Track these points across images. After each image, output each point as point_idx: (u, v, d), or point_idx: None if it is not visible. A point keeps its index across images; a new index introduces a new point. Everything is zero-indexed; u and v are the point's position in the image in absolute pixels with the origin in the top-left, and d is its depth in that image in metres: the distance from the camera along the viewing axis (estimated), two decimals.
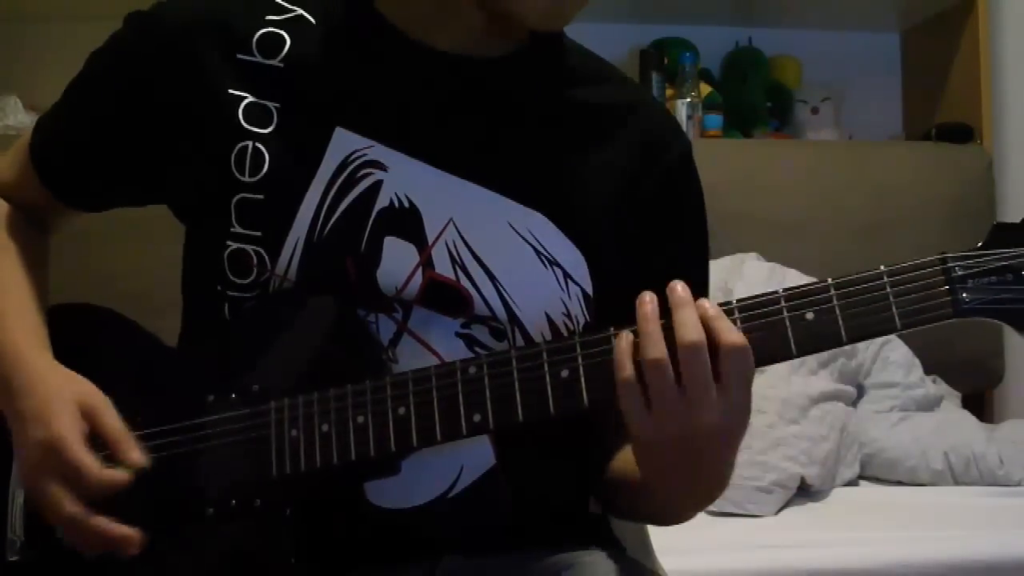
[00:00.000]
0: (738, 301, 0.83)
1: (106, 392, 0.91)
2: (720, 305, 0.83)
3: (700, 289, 1.05)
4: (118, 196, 1.05)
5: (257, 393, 0.90)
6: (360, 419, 0.86)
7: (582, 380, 0.84)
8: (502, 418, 0.85)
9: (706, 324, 0.81)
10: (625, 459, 0.97)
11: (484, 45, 0.98)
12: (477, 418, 0.85)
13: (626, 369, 0.81)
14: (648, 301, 0.82)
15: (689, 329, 0.80)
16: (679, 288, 0.83)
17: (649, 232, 1.01)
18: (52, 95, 1.06)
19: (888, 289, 0.81)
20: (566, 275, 0.97)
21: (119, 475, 0.87)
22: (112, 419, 0.89)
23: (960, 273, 0.80)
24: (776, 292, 0.83)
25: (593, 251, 0.98)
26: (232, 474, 0.88)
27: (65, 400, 0.89)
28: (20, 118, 2.35)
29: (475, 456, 0.94)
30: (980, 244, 0.81)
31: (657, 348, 0.80)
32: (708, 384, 0.80)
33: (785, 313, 0.82)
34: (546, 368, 0.84)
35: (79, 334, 0.98)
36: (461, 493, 0.94)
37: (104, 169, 1.02)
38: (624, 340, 0.82)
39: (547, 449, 0.98)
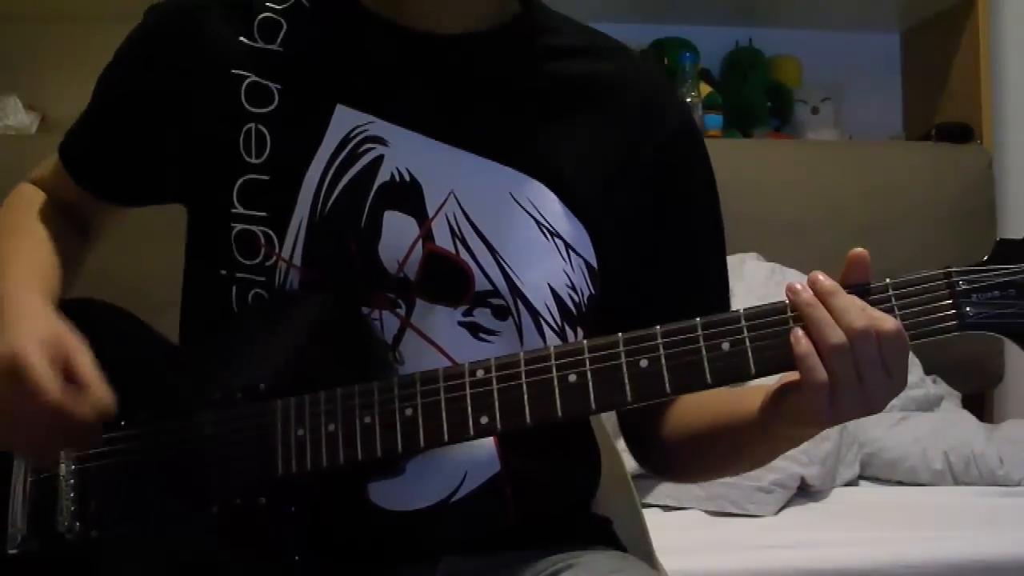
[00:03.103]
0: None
1: (111, 387, 0.91)
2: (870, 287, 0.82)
3: (716, 253, 1.05)
4: (143, 186, 1.06)
5: (262, 392, 0.90)
6: (367, 419, 0.86)
7: (590, 385, 0.84)
8: (509, 421, 0.84)
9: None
10: (692, 422, 0.98)
11: (463, 21, 0.98)
12: (484, 420, 0.85)
13: (818, 369, 0.80)
14: (802, 289, 0.82)
15: (855, 315, 0.79)
16: (822, 277, 0.82)
17: (653, 202, 1.01)
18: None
19: (893, 302, 0.82)
20: (568, 246, 0.97)
21: (80, 404, 0.86)
22: (86, 359, 0.88)
23: (964, 287, 0.81)
24: (782, 302, 0.83)
25: (594, 222, 0.98)
26: (237, 472, 0.88)
27: (41, 326, 0.89)
28: (20, 118, 2.35)
29: (479, 462, 0.94)
30: (985, 258, 0.82)
31: (836, 333, 0.79)
32: (880, 368, 0.80)
33: (792, 323, 0.82)
34: (554, 372, 0.84)
35: (86, 328, 0.98)
36: (463, 499, 0.94)
37: (124, 157, 1.03)
38: (803, 338, 0.80)
39: (552, 455, 0.97)
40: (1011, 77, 2.72)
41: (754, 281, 2.23)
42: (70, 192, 1.07)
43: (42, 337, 0.88)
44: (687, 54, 2.63)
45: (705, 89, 2.66)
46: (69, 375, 0.87)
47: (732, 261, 2.40)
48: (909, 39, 2.90)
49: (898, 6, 2.78)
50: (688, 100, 2.56)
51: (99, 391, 0.87)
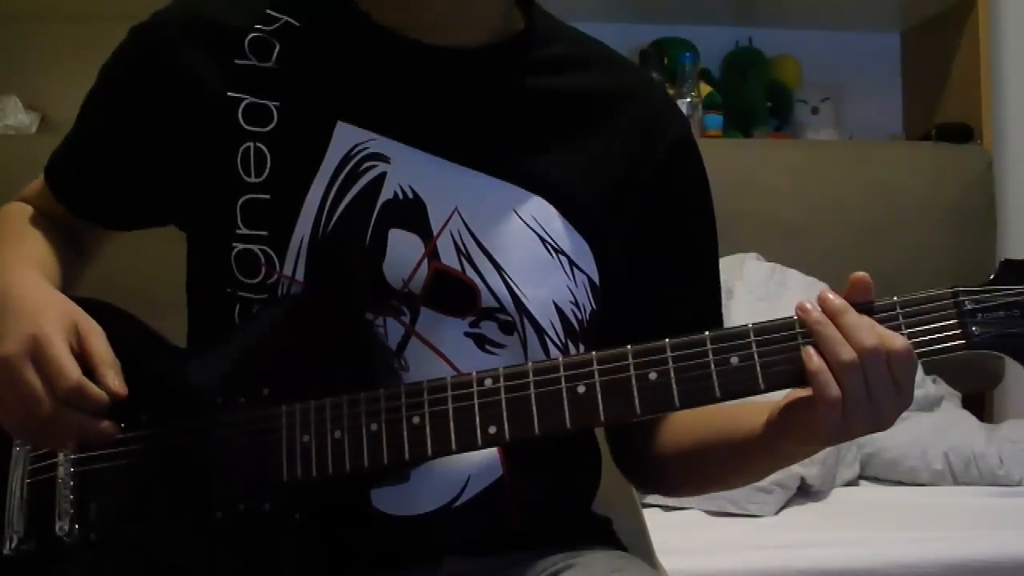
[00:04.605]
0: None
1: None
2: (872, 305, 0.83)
3: (712, 264, 1.06)
4: (133, 210, 1.06)
5: (266, 397, 0.89)
6: (373, 427, 0.86)
7: (599, 396, 0.84)
8: (518, 431, 0.85)
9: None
10: (687, 438, 0.98)
11: (469, 33, 0.98)
12: (492, 430, 0.85)
13: (831, 385, 0.80)
14: (812, 307, 0.82)
15: (865, 333, 0.80)
16: (831, 296, 0.83)
17: (652, 217, 1.01)
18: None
19: (900, 320, 0.82)
20: (571, 263, 0.97)
21: (95, 390, 0.85)
22: (101, 343, 0.88)
23: (970, 307, 0.82)
24: (791, 318, 0.83)
25: (597, 237, 0.98)
26: (241, 478, 0.88)
27: (59, 311, 0.88)
28: (20, 118, 2.35)
29: (482, 467, 0.94)
30: (991, 278, 0.83)
31: (847, 350, 0.80)
32: (890, 385, 0.81)
33: (801, 340, 0.82)
34: (563, 383, 0.84)
35: None
36: (467, 503, 0.94)
37: (112, 181, 1.03)
38: (814, 355, 0.81)
39: (555, 459, 0.97)
40: (1011, 77, 2.71)
41: (754, 281, 2.23)
42: (59, 213, 1.07)
43: (61, 317, 0.87)
44: (687, 54, 2.62)
45: (705, 89, 2.66)
46: (84, 358, 0.87)
47: (732, 261, 2.42)
48: (909, 39, 2.90)
49: (898, 6, 2.78)
50: (688, 100, 2.56)
51: (112, 374, 0.86)
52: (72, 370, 0.84)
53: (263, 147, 0.94)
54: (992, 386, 2.59)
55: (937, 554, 1.64)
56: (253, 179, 0.94)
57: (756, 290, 2.19)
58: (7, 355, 0.85)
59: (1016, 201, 2.68)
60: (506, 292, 0.94)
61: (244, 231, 0.94)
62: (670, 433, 1.01)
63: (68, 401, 0.84)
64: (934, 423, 2.15)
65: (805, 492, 1.96)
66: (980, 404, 2.56)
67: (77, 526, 0.91)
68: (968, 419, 2.22)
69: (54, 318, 0.87)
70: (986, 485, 2.03)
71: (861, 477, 2.12)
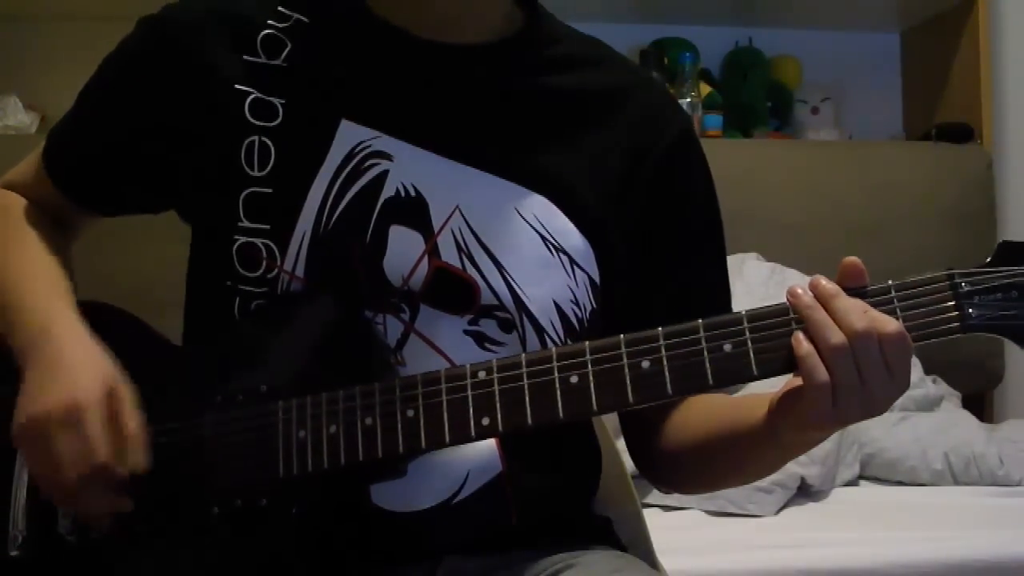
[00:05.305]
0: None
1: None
2: (871, 289, 0.82)
3: (718, 260, 1.06)
4: (130, 199, 1.06)
5: (264, 394, 0.90)
6: (368, 421, 0.86)
7: (591, 387, 0.84)
8: (511, 422, 0.84)
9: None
10: (698, 431, 0.98)
11: (473, 31, 0.99)
12: (486, 421, 0.85)
13: (819, 370, 0.80)
14: (803, 292, 0.82)
15: (856, 317, 0.79)
16: (824, 281, 0.82)
17: (656, 214, 1.01)
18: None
19: (896, 304, 0.82)
20: (572, 262, 0.97)
21: (119, 471, 0.86)
22: (133, 415, 0.88)
23: (967, 289, 0.81)
24: (784, 304, 0.83)
25: (598, 236, 0.98)
26: (238, 474, 0.88)
27: (98, 374, 0.88)
28: (20, 118, 2.36)
29: (481, 463, 0.94)
30: (987, 260, 0.82)
31: (836, 334, 0.79)
32: (883, 370, 0.80)
33: (794, 325, 0.82)
34: (556, 373, 0.84)
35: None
36: (465, 499, 0.94)
37: (113, 170, 1.03)
38: (803, 340, 0.81)
39: (554, 456, 0.97)
40: (1011, 77, 2.72)
41: (754, 281, 2.23)
42: (53, 197, 1.06)
43: (101, 386, 0.87)
44: (687, 54, 2.63)
45: (705, 89, 2.66)
46: (115, 427, 0.87)
47: (732, 261, 2.40)
48: (909, 39, 2.91)
49: (898, 6, 2.78)
50: (688, 100, 2.56)
51: (140, 453, 0.87)
52: (103, 451, 0.85)
53: (268, 142, 0.95)
54: (992, 386, 2.59)
55: (937, 554, 1.64)
56: (256, 173, 0.94)
57: (756, 290, 2.19)
58: (45, 415, 0.86)
59: (1016, 201, 2.69)
60: (506, 290, 0.94)
61: (246, 224, 0.94)
62: (681, 428, 1.01)
63: (92, 477, 0.85)
64: (934, 423, 2.15)
65: (805, 492, 1.96)
66: (980, 404, 2.56)
67: (79, 525, 0.91)
68: (968, 419, 2.22)
69: (93, 382, 0.87)
70: (986, 485, 2.03)
71: (861, 477, 2.12)
